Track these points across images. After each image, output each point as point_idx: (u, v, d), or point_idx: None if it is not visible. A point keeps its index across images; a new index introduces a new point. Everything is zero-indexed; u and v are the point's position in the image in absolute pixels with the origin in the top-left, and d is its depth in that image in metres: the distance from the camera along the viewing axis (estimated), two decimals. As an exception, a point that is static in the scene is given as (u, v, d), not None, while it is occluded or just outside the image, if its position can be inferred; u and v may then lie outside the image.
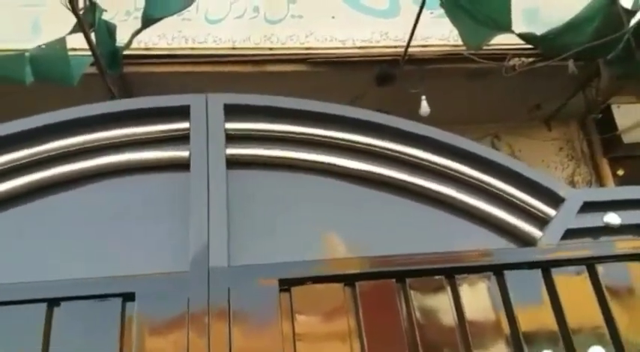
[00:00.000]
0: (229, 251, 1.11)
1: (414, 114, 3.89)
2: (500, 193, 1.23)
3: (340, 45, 3.72)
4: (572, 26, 3.10)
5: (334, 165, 1.24)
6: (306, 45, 3.71)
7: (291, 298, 1.07)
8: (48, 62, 2.98)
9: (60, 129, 1.16)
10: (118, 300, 1.04)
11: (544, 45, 3.39)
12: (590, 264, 1.17)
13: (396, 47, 3.66)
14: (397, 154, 1.25)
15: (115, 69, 3.29)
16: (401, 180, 1.24)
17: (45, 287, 1.04)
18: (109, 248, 1.10)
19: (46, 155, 1.17)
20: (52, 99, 3.12)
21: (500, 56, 3.72)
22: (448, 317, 1.09)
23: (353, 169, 1.24)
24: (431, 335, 1.07)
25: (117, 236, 1.11)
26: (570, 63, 3.43)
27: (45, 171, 1.13)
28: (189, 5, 3.03)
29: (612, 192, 1.37)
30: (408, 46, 3.51)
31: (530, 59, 3.72)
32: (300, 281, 1.08)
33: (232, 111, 1.27)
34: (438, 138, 1.29)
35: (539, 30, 3.49)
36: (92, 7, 2.96)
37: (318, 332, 1.06)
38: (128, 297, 1.04)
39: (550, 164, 4.50)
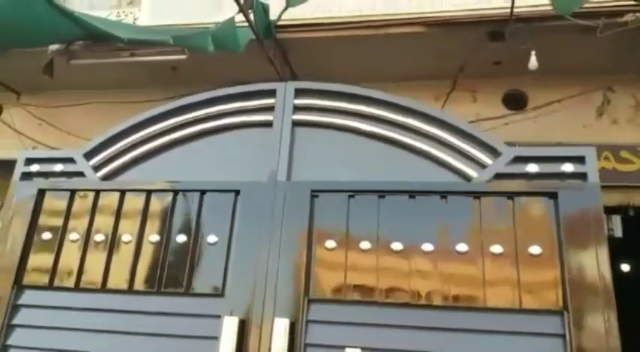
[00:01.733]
0: (289, 172, 2.02)
1: (526, 66, 4.25)
2: (458, 147, 1.91)
3: (452, 8, 4.21)
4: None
5: (356, 127, 2.04)
6: (422, 9, 4.27)
7: (318, 201, 1.95)
8: (222, 35, 4.11)
9: (206, 103, 2.17)
10: (232, 194, 2.03)
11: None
12: (509, 196, 1.81)
13: (504, 8, 4.02)
14: (395, 121, 2.00)
15: (269, 38, 4.33)
16: (396, 139, 1.99)
17: (199, 184, 2.07)
18: (228, 166, 2.09)
19: (198, 116, 2.20)
20: (228, 60, 4.32)
21: (612, 12, 3.85)
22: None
23: (366, 130, 2.02)
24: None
25: (230, 161, 2.09)
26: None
27: (193, 126, 2.16)
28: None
29: (539, 150, 1.89)
30: (512, 6, 3.87)
31: (642, 14, 3.78)
32: (324, 193, 1.95)
33: (300, 92, 2.13)
34: (424, 110, 1.99)
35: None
36: (250, -5, 4.00)
37: (330, 224, 1.93)
38: (237, 193, 2.03)
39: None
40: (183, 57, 4.77)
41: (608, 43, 4.00)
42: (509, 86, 4.97)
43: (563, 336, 1.62)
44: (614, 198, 4.50)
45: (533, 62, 4.17)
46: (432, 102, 5.07)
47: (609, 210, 4.50)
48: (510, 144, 4.66)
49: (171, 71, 5.29)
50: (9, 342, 2.02)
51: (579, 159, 1.82)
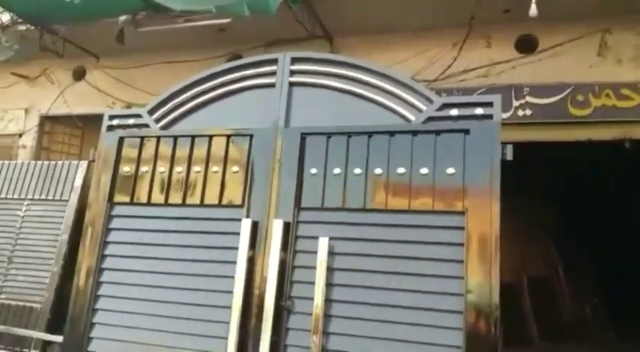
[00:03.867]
0: (286, 121, 2.82)
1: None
2: (403, 97, 2.62)
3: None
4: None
5: (333, 85, 2.79)
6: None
7: (306, 140, 2.75)
8: (255, 1, 4.84)
9: (229, 70, 2.98)
10: (248, 137, 2.87)
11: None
12: (437, 133, 2.52)
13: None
14: (360, 79, 2.72)
15: (296, 3, 5.01)
16: (360, 93, 2.72)
17: (226, 131, 2.92)
18: (246, 117, 2.92)
19: (224, 80, 3.02)
20: (267, 21, 5.04)
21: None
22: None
23: (340, 87, 2.77)
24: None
25: (247, 113, 2.92)
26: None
27: (222, 88, 2.99)
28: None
29: (461, 98, 2.54)
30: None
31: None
32: (310, 135, 2.74)
33: (295, 60, 2.89)
34: (381, 70, 2.69)
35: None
36: (278, -35, 4.66)
37: (314, 157, 2.73)
38: (251, 136, 2.87)
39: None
40: (227, 20, 5.56)
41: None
42: (521, 31, 5.38)
43: (464, 228, 2.36)
44: (613, 132, 4.95)
45: (533, 10, 4.59)
46: (449, 49, 5.60)
47: (608, 143, 4.97)
48: (519, 86, 5.20)
49: (220, 32, 6.12)
50: (108, 239, 3.04)
51: (489, 104, 2.48)
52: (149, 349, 2.76)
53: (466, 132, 2.48)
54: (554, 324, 6.96)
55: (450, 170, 2.46)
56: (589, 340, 6.85)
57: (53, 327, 4.49)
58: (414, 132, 2.57)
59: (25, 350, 4.65)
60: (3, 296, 4.95)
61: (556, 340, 6.59)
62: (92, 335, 2.90)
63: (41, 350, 4.63)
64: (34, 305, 4.79)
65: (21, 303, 4.84)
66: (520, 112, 5.16)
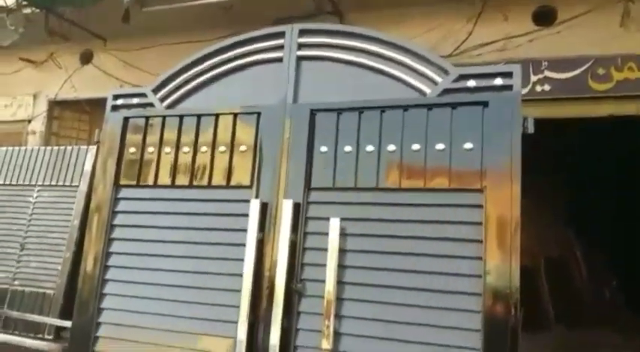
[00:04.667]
0: (295, 96, 2.70)
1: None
2: (417, 69, 2.48)
3: None
4: None
5: (343, 58, 2.65)
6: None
7: (316, 117, 2.63)
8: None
9: (234, 45, 2.86)
10: (255, 115, 2.76)
11: None
12: (453, 106, 2.38)
13: None
14: (371, 51, 2.59)
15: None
16: (372, 66, 2.59)
17: (232, 109, 2.81)
18: (253, 94, 2.80)
19: (230, 56, 2.90)
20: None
21: None
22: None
23: (351, 60, 2.63)
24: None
25: (254, 89, 2.80)
26: None
27: (228, 64, 2.86)
28: None
29: (478, 69, 2.39)
30: None
31: None
32: (320, 111, 2.62)
33: (302, 32, 2.75)
34: (394, 41, 2.55)
35: None
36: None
37: (324, 134, 2.61)
38: (259, 114, 2.75)
39: None
40: (234, -2, 5.40)
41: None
42: (539, 2, 5.15)
43: (482, 206, 2.24)
44: (636, 107, 4.75)
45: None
46: (464, 23, 5.40)
47: (631, 118, 4.77)
48: (537, 60, 5.00)
49: (226, 11, 5.97)
50: (115, 223, 2.97)
51: (508, 75, 2.33)
52: (158, 334, 2.69)
53: (484, 104, 2.34)
54: (572, 307, 6.83)
55: (468, 145, 2.33)
56: (608, 323, 6.71)
57: (67, 313, 4.47)
58: (429, 106, 2.43)
59: (39, 335, 4.64)
60: (16, 282, 4.95)
61: (574, 323, 6.46)
62: (100, 320, 2.85)
63: (55, 335, 4.63)
64: (47, 291, 4.77)
65: (34, 289, 4.83)
66: (538, 88, 4.96)
